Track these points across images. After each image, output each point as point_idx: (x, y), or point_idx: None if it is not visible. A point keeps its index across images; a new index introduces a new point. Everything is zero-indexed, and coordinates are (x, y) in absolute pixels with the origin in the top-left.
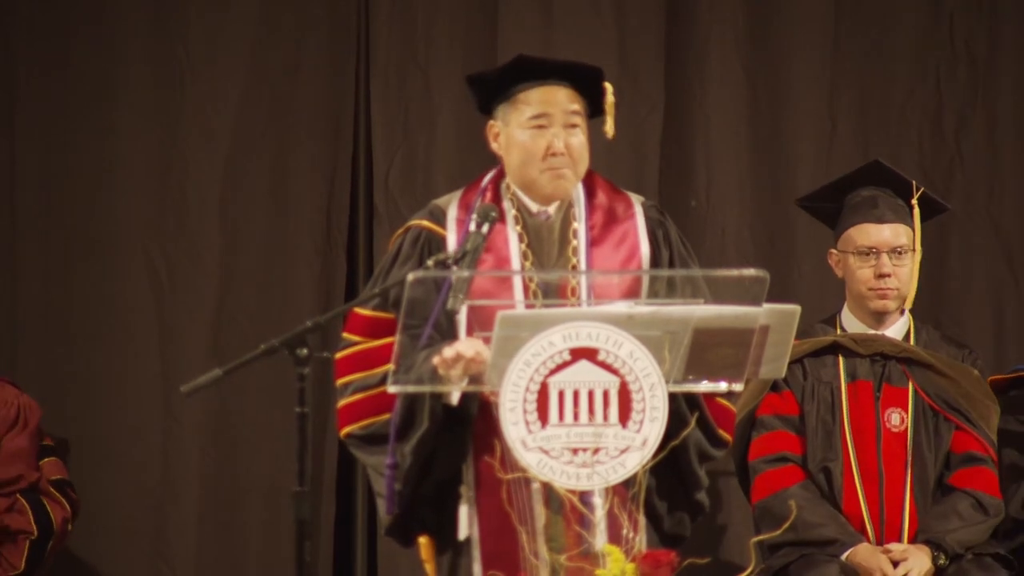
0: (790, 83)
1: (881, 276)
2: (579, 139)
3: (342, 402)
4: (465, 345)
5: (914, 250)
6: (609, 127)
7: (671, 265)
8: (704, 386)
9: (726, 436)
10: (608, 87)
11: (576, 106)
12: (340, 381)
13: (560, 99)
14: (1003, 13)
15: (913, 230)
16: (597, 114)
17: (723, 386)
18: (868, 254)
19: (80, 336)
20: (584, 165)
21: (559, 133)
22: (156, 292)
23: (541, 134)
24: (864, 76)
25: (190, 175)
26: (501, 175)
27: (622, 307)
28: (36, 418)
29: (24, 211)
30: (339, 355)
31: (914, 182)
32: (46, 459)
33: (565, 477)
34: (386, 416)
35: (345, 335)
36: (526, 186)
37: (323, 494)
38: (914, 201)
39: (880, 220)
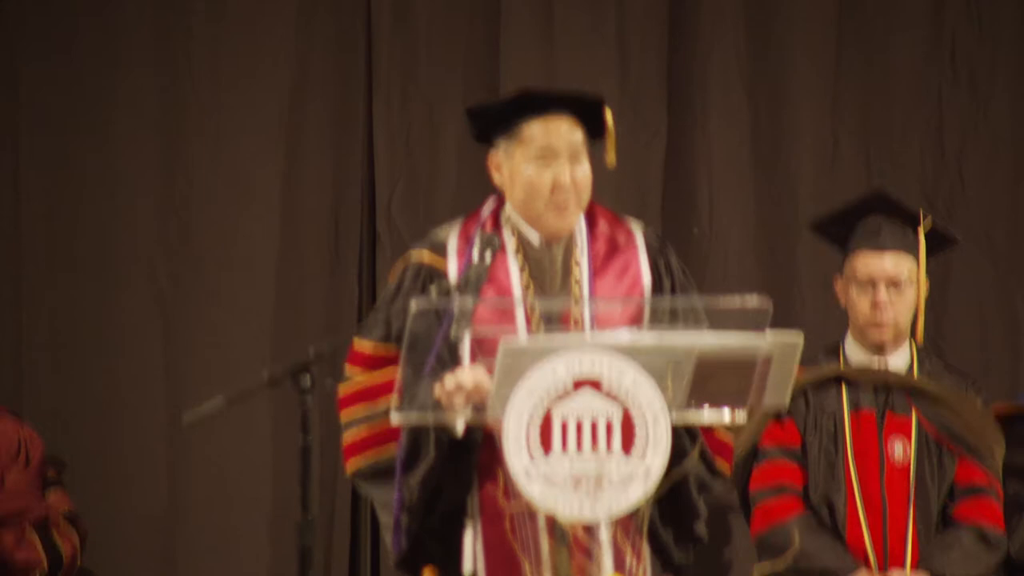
0: (792, 108)
1: (876, 307)
2: (583, 171)
3: (347, 437)
4: (465, 374)
5: (916, 281)
6: (611, 157)
7: (673, 294)
8: (707, 415)
9: (724, 467)
10: (609, 115)
11: (579, 137)
12: (343, 415)
13: (563, 132)
14: (1004, 34)
15: (917, 260)
16: (597, 138)
17: (726, 415)
18: (867, 284)
19: (85, 362)
20: (587, 196)
21: (564, 167)
22: (162, 317)
23: (546, 169)
24: (866, 100)
25: (195, 197)
26: (501, 204)
27: (625, 336)
28: (39, 450)
29: (29, 238)
30: (342, 389)
31: (921, 211)
32: (51, 490)
33: (568, 507)
34: (391, 449)
35: (347, 369)
36: (530, 220)
37: (336, 523)
38: (920, 230)
39: (881, 248)
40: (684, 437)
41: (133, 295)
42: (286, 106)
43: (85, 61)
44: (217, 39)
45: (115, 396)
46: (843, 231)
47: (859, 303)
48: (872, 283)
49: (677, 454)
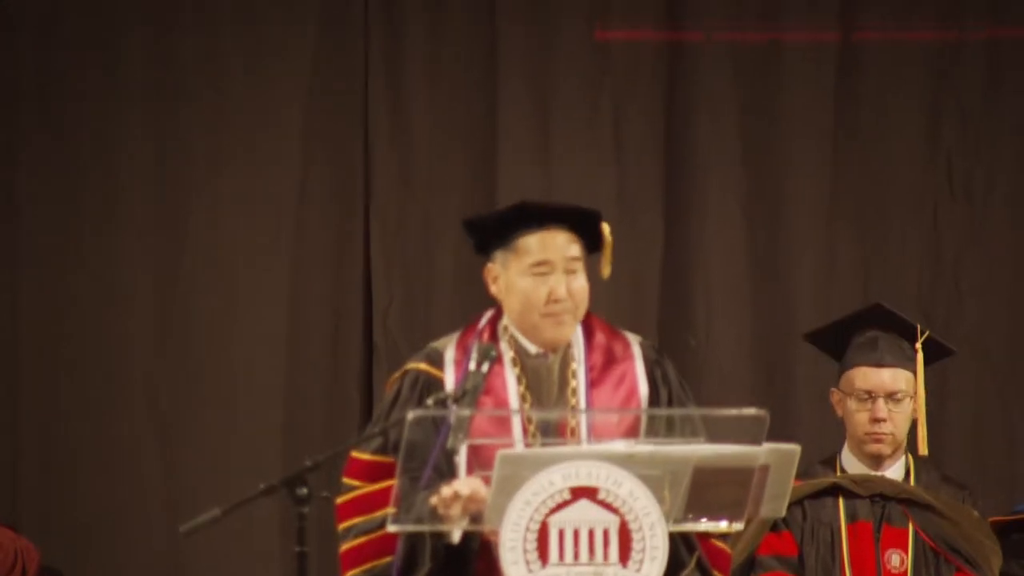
0: (788, 220)
1: (876, 421)
2: (580, 283)
3: (344, 547)
4: (462, 484)
5: (913, 395)
6: (605, 269)
7: (670, 405)
8: (704, 525)
9: None
10: (606, 228)
11: (575, 250)
12: (341, 526)
13: (560, 244)
14: (1000, 148)
15: (915, 374)
16: (595, 251)
17: (723, 525)
18: (865, 398)
19: (81, 473)
20: (584, 307)
21: (560, 279)
22: (157, 427)
23: (543, 281)
24: (863, 212)
25: (194, 308)
26: (498, 316)
27: (622, 446)
28: (35, 562)
29: (26, 343)
30: (340, 500)
31: (919, 326)
32: None
33: None
34: (388, 559)
35: (345, 480)
36: (526, 331)
37: None
38: (918, 345)
39: (879, 364)
40: (681, 547)
41: (130, 404)
42: (286, 218)
43: (84, 149)
44: (218, 154)
45: (112, 506)
46: (839, 343)
47: (857, 416)
48: (871, 397)
49: (675, 565)
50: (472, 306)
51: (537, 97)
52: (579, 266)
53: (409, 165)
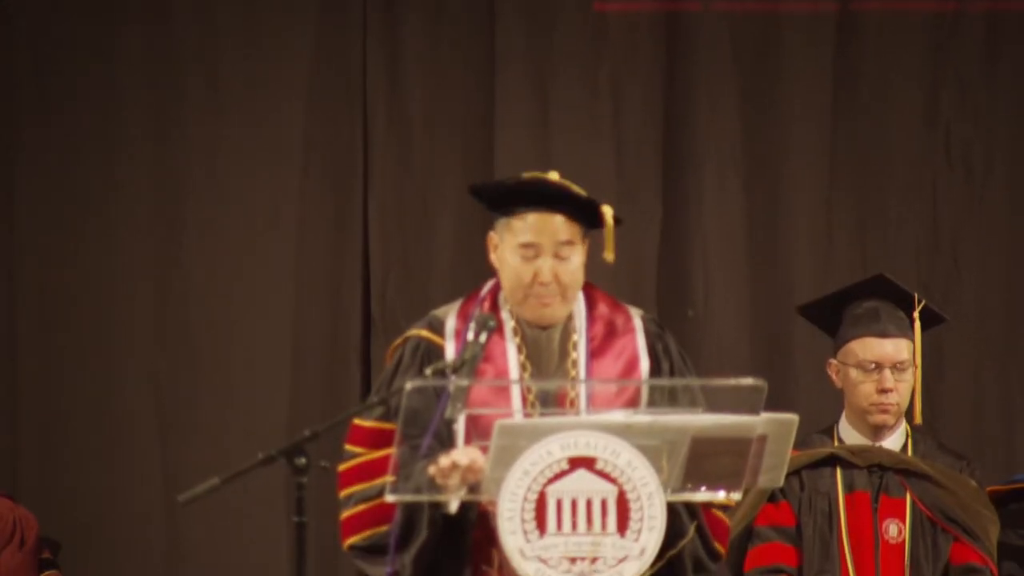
0: (787, 193)
1: (884, 391)
2: (569, 267)
3: (345, 514)
4: (461, 453)
5: (915, 364)
6: (609, 253)
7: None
8: (702, 495)
9: (720, 548)
10: (607, 211)
11: (568, 236)
12: (343, 493)
13: (553, 229)
14: (999, 123)
15: (913, 343)
16: (597, 227)
17: (721, 495)
18: (871, 369)
19: (80, 444)
20: (575, 290)
21: (547, 262)
22: (157, 400)
23: (529, 263)
24: (861, 186)
25: (192, 285)
26: (500, 286)
27: (620, 416)
28: (33, 531)
29: (24, 322)
30: (342, 467)
31: (916, 295)
32: (46, 573)
33: None
34: (387, 527)
35: (347, 447)
36: (515, 307)
37: None
38: (916, 315)
39: (883, 335)
40: (683, 515)
41: (129, 375)
42: (287, 196)
43: (83, 146)
44: (217, 130)
45: (111, 477)
46: (833, 316)
47: (862, 387)
48: (877, 367)
49: (676, 533)
50: (469, 282)
51: (535, 73)
52: (571, 251)
53: (407, 142)
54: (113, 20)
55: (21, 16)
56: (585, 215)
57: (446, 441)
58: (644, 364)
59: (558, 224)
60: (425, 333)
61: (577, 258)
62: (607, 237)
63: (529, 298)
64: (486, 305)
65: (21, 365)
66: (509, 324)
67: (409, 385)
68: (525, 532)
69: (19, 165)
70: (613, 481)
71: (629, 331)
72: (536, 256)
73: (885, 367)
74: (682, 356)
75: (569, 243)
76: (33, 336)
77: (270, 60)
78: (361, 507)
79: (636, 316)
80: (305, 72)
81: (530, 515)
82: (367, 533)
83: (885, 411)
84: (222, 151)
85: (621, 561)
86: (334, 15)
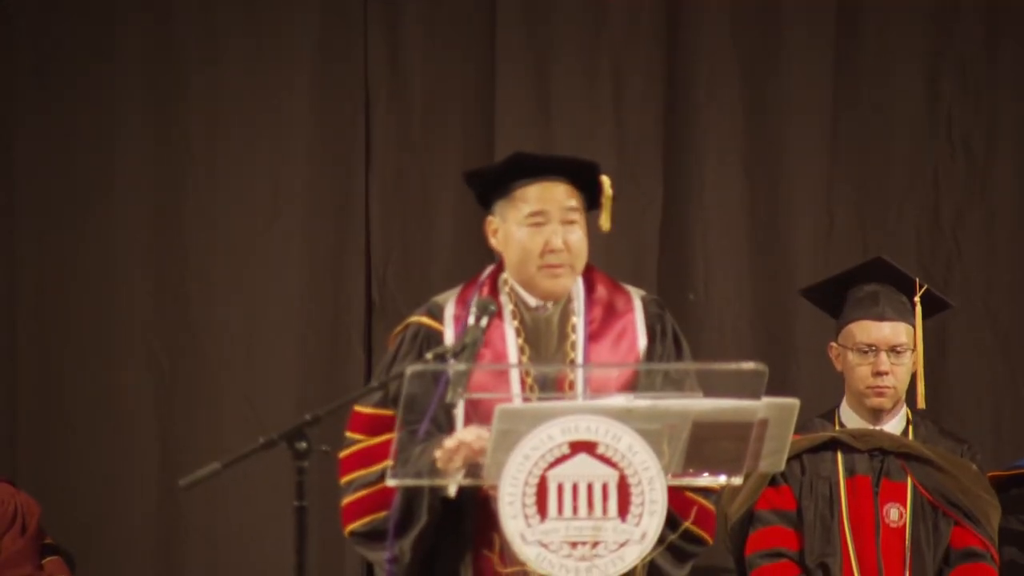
0: (788, 177)
1: (879, 374)
2: (577, 235)
3: (345, 500)
4: (466, 432)
5: (914, 348)
6: (605, 221)
7: (669, 357)
8: (703, 479)
9: (702, 534)
10: (605, 180)
11: (574, 202)
12: (343, 480)
13: (557, 195)
14: (1001, 108)
15: (914, 327)
16: (595, 207)
17: (722, 479)
18: (867, 351)
19: (79, 434)
20: (582, 261)
21: (557, 230)
22: (156, 385)
23: (539, 231)
24: (862, 170)
25: (191, 268)
26: (499, 270)
27: (621, 400)
28: (35, 517)
29: (24, 310)
30: (343, 454)
31: (917, 280)
32: (48, 558)
33: (564, 571)
34: (386, 512)
35: (348, 434)
36: (524, 283)
37: None
38: (917, 299)
39: (880, 318)
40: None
41: (129, 359)
42: (287, 178)
43: (81, 136)
44: (216, 114)
45: (109, 466)
46: (836, 298)
47: (859, 370)
48: (873, 350)
49: (670, 522)
50: (470, 265)
51: (536, 59)
52: (577, 217)
53: (408, 129)
54: (113, 20)
55: (21, 16)
56: (585, 187)
57: (444, 426)
58: (643, 345)
59: (563, 191)
60: (425, 320)
61: (583, 227)
62: (604, 206)
63: (541, 269)
64: (485, 290)
65: (20, 357)
66: (508, 307)
67: (409, 370)
68: (526, 516)
69: (19, 164)
70: (614, 465)
71: (629, 312)
72: (545, 223)
73: (881, 350)
74: (676, 339)
75: (574, 209)
76: (31, 301)
77: (273, 27)
78: (361, 493)
79: (636, 296)
80: (307, 58)
81: (531, 499)
82: (367, 519)
83: (881, 394)
84: (222, 142)
85: (622, 545)
86: (335, 3)
